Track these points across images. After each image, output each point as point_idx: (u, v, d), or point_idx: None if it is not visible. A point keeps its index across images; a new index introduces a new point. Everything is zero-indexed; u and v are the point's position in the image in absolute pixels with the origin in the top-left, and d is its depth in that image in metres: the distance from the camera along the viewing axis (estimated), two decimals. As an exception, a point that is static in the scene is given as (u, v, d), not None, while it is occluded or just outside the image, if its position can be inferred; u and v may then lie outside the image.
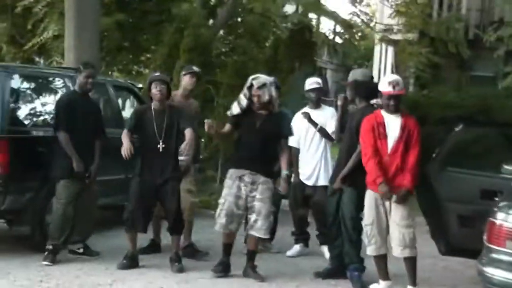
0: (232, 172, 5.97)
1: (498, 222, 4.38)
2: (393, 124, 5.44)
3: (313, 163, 6.91)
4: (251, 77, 5.96)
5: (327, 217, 6.24)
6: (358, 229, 5.79)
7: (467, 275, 6.43)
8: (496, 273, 4.32)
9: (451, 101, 11.08)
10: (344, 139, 6.11)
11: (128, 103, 9.33)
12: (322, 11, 12.53)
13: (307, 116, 6.85)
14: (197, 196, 7.07)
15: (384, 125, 5.44)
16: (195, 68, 6.97)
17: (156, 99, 6.13)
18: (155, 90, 6.11)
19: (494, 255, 4.38)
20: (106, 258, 6.42)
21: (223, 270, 6.00)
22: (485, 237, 4.54)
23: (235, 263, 6.10)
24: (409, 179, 5.36)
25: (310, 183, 6.92)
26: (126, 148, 5.88)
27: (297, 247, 7.08)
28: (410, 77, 13.63)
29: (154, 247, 6.79)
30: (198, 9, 11.24)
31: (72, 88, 6.73)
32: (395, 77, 5.60)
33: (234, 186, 5.91)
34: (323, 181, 6.80)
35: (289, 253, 7.02)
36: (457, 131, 5.96)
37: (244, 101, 5.92)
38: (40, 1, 12.42)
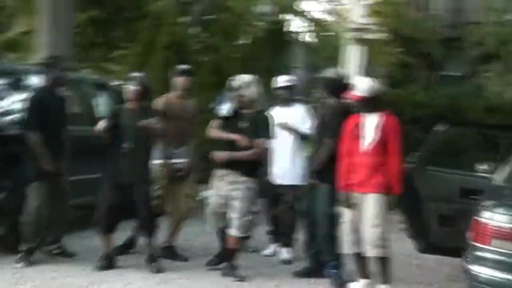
0: (215, 172, 5.99)
1: (483, 220, 4.41)
2: (369, 124, 5.45)
3: (282, 162, 6.85)
4: (229, 79, 5.93)
5: (292, 218, 6.22)
6: (333, 226, 5.77)
7: (442, 273, 6.48)
8: (482, 271, 4.35)
9: (421, 101, 11.18)
10: (315, 136, 6.12)
11: (102, 100, 9.15)
12: (297, 12, 12.54)
13: (286, 126, 6.78)
14: (193, 199, 6.94)
15: (359, 126, 5.46)
16: (185, 67, 6.76)
17: (128, 99, 6.16)
18: (127, 90, 6.14)
19: (480, 253, 4.41)
20: (81, 259, 6.30)
21: (216, 263, 6.11)
22: (470, 236, 4.57)
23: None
24: (398, 185, 5.38)
25: (279, 181, 6.88)
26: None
27: (273, 246, 7.04)
28: (380, 76, 13.73)
29: (128, 246, 6.69)
30: (172, 7, 11.10)
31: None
32: (363, 83, 5.56)
33: (217, 186, 5.93)
34: (291, 180, 6.75)
35: (265, 252, 7.00)
36: (438, 131, 6.00)
37: (230, 105, 5.91)
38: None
